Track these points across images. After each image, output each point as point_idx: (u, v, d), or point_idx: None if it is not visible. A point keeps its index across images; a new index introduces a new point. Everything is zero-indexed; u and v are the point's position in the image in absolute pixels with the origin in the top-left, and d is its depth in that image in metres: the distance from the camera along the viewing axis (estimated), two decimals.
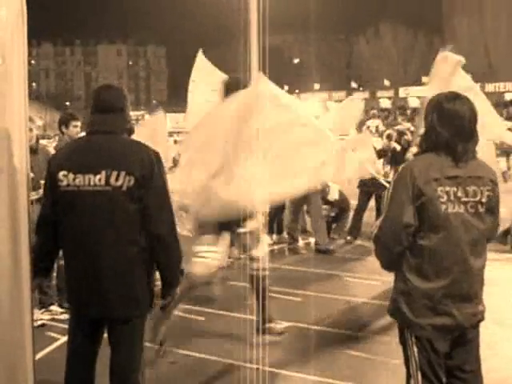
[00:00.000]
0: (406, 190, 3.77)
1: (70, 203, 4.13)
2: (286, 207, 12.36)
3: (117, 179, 4.04)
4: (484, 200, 3.87)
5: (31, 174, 6.05)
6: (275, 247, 12.39)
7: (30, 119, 7.53)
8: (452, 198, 3.78)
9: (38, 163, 6.85)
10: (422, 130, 4.13)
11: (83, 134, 8.11)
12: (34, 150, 7.56)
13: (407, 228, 3.78)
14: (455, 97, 3.94)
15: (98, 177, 4.06)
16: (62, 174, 4.12)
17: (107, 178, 4.05)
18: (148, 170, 4.07)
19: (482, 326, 4.07)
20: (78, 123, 8.49)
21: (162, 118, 10.53)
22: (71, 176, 4.10)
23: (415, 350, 3.89)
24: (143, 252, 4.14)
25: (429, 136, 3.92)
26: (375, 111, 21.12)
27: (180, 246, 4.27)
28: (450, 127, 3.83)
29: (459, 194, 3.80)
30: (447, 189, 3.77)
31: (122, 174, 4.03)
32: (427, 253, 3.81)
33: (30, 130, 7.52)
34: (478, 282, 3.98)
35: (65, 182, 4.11)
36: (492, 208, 3.92)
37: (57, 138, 8.51)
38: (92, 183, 4.06)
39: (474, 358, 4.04)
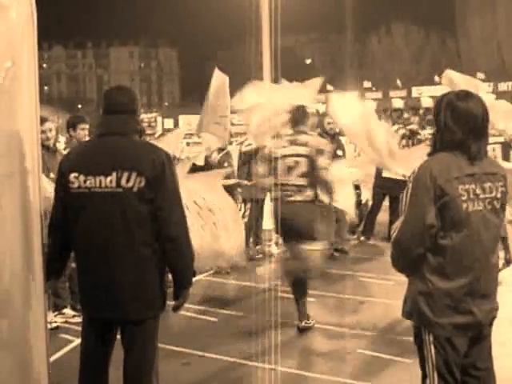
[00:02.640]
0: (427, 190, 3.73)
1: (81, 205, 4.13)
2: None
3: (128, 180, 4.03)
4: (499, 196, 3.87)
5: (51, 175, 6.08)
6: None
7: (46, 120, 7.57)
8: (472, 195, 3.77)
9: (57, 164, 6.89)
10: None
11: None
12: (53, 151, 7.58)
13: (430, 229, 3.74)
14: (467, 95, 3.91)
15: (108, 178, 4.05)
16: (72, 175, 4.12)
17: (118, 179, 4.04)
18: (159, 171, 4.06)
19: (495, 325, 4.05)
20: (86, 126, 8.47)
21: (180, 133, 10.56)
22: (82, 178, 4.10)
23: (432, 349, 3.86)
24: (155, 253, 4.13)
25: (442, 135, 3.89)
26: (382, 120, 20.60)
27: (192, 248, 4.26)
28: (464, 126, 3.80)
29: (477, 191, 3.79)
30: (467, 187, 3.75)
31: (133, 175, 4.03)
32: (449, 252, 3.77)
33: (50, 130, 7.57)
34: (494, 277, 3.99)
35: (76, 184, 4.11)
36: (504, 203, 3.92)
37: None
38: (103, 185, 4.06)
39: (487, 355, 4.03)
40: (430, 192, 3.73)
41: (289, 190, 7.41)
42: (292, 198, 7.39)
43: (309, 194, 7.38)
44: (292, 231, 7.39)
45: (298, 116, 7.71)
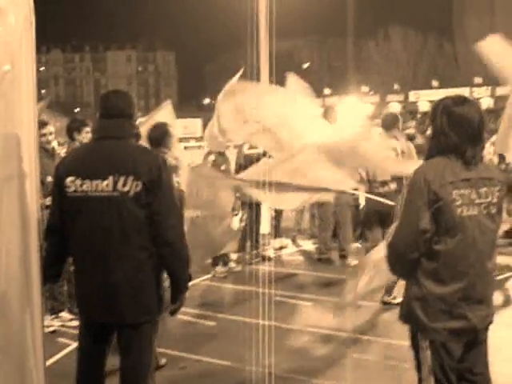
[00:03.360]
0: (421, 195, 3.73)
1: (77, 209, 4.13)
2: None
3: (124, 184, 4.03)
4: (495, 201, 3.86)
5: (49, 178, 6.06)
6: (284, 252, 12.40)
7: (46, 123, 7.59)
8: (466, 200, 3.76)
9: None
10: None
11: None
12: (52, 154, 7.59)
13: (424, 234, 3.74)
14: (463, 100, 3.91)
15: (105, 182, 4.05)
16: (69, 179, 4.12)
17: (114, 183, 4.04)
18: (155, 175, 4.06)
19: (492, 330, 4.05)
20: (89, 129, 8.46)
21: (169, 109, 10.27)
22: (78, 182, 4.10)
23: (428, 354, 3.86)
24: (152, 257, 4.13)
25: (438, 140, 3.89)
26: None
27: (188, 252, 4.26)
28: (460, 131, 3.80)
29: (473, 196, 3.78)
30: (462, 191, 3.75)
31: (130, 179, 4.03)
32: (443, 257, 3.77)
33: (51, 133, 7.58)
34: (490, 283, 3.98)
35: (72, 188, 4.11)
36: (500, 208, 3.92)
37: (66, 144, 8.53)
38: (99, 189, 4.06)
39: (483, 360, 4.03)
40: (424, 197, 3.73)
41: (375, 185, 8.52)
42: (378, 191, 8.36)
43: (392, 186, 8.47)
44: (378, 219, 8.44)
45: (390, 121, 8.61)
